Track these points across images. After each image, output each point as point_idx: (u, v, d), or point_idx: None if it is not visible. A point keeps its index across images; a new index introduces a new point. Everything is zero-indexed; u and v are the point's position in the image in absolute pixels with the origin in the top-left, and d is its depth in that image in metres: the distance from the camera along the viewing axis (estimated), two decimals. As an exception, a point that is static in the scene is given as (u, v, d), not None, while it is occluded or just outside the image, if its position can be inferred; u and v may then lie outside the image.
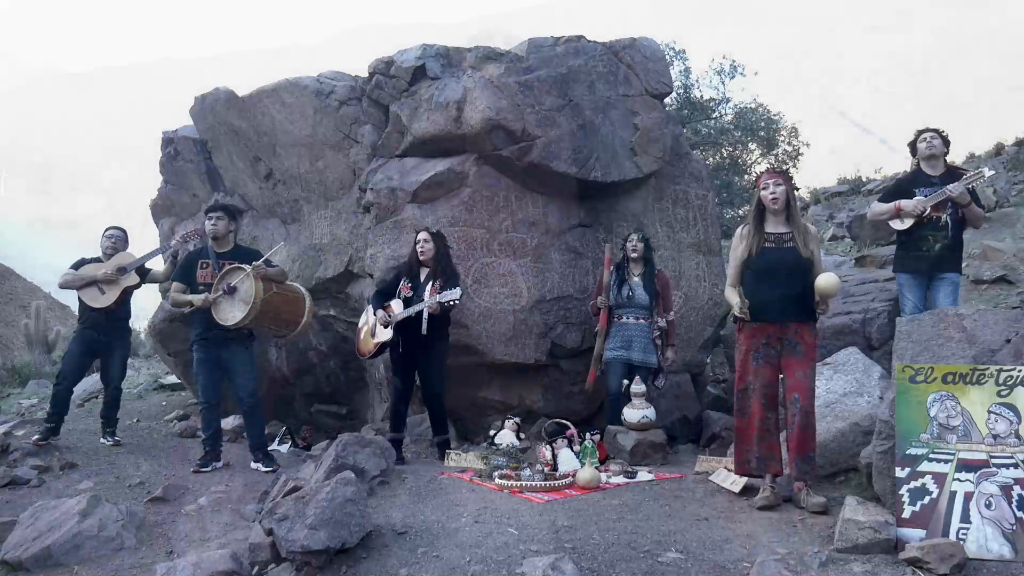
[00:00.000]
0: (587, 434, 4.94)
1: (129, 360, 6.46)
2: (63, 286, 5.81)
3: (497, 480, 4.26)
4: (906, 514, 3.03)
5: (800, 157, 16.09)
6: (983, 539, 2.94)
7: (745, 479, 3.94)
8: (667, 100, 7.77)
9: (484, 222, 5.89)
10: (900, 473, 3.11)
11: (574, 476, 4.28)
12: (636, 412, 5.14)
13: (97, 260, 5.82)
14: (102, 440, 5.90)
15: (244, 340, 5.22)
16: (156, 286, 6.44)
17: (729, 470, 4.21)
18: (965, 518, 2.98)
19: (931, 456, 3.09)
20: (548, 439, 4.92)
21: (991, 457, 3.05)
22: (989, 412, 3.10)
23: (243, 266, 5.03)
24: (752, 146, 16.00)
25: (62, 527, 3.62)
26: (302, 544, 2.93)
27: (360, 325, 5.52)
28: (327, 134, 6.43)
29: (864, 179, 17.77)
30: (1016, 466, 3.02)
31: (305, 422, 6.96)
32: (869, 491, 3.49)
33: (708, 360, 7.07)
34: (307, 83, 6.41)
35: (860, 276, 6.94)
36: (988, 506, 2.98)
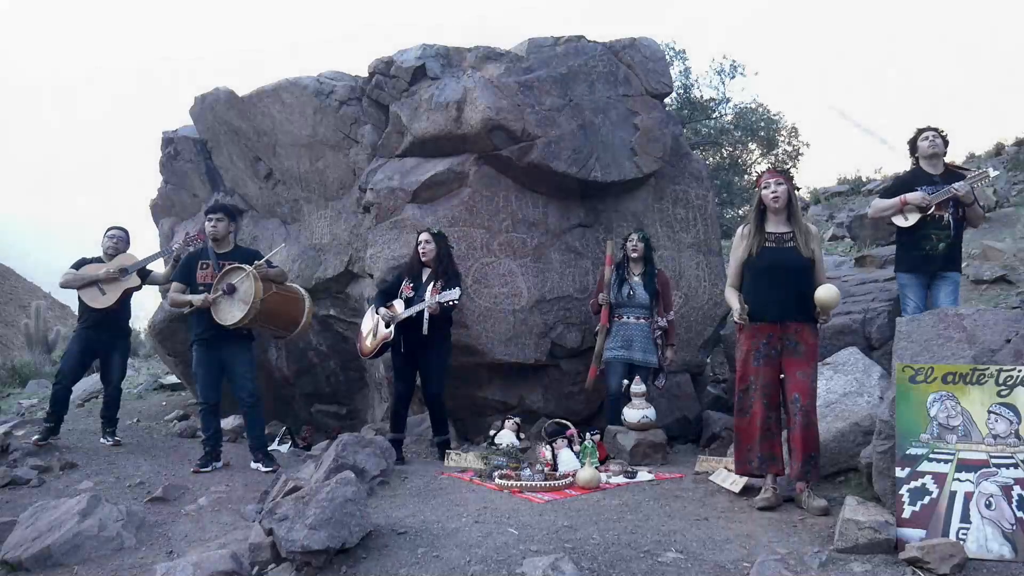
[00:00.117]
0: (587, 434, 4.94)
1: (129, 360, 6.46)
2: (64, 286, 5.81)
3: (497, 480, 4.26)
4: (906, 514, 3.03)
5: (800, 157, 16.10)
6: (983, 539, 2.94)
7: (745, 479, 3.94)
8: (667, 100, 7.77)
9: (484, 222, 5.89)
10: (900, 473, 3.11)
11: (574, 476, 4.28)
12: (636, 412, 5.14)
13: (98, 260, 5.82)
14: (102, 440, 5.90)
15: (244, 340, 5.22)
16: (157, 287, 6.45)
17: (729, 470, 4.21)
18: (965, 518, 2.98)
19: (931, 456, 3.09)
20: (548, 439, 4.92)
21: (991, 457, 3.05)
22: (989, 412, 3.10)
23: (243, 266, 5.03)
24: (752, 146, 16.02)
25: (62, 527, 3.62)
26: (302, 544, 2.93)
27: (362, 326, 5.53)
28: (327, 134, 6.43)
29: (864, 179, 17.77)
30: (1016, 466, 3.02)
31: (305, 422, 6.96)
32: (869, 491, 3.49)
33: (708, 360, 7.07)
34: (307, 83, 6.41)
35: (860, 276, 6.94)
36: (988, 506, 2.98)
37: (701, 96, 15.54)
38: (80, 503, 3.78)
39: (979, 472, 3.03)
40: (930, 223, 4.83)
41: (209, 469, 5.10)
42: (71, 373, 5.74)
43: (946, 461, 3.07)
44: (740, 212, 15.28)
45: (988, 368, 3.14)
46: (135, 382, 9.36)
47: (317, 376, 6.89)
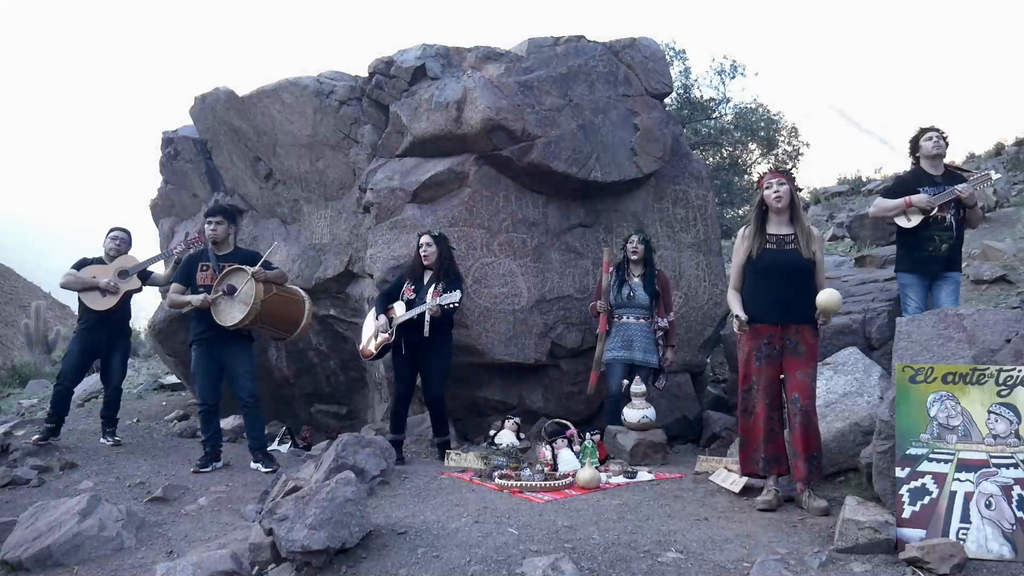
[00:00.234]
0: (587, 434, 4.94)
1: (129, 360, 6.46)
2: (64, 286, 5.81)
3: (497, 480, 4.26)
4: (906, 514, 3.03)
5: (800, 157, 16.10)
6: (983, 539, 2.93)
7: (745, 479, 3.94)
8: (667, 100, 7.77)
9: (484, 222, 5.89)
10: (900, 473, 3.11)
11: (574, 476, 4.28)
12: (636, 412, 5.14)
13: (99, 260, 5.82)
14: (102, 440, 5.90)
15: (243, 341, 5.22)
16: (157, 287, 6.45)
17: (730, 470, 4.21)
18: (965, 518, 2.98)
19: (931, 456, 3.09)
20: (548, 439, 4.92)
21: (991, 457, 3.04)
22: (989, 412, 3.10)
23: (244, 268, 5.03)
24: (752, 146, 16.02)
25: (62, 527, 3.62)
26: (302, 544, 2.93)
27: (363, 327, 5.52)
28: (327, 134, 6.43)
29: (864, 179, 17.78)
30: (1016, 466, 3.02)
31: (305, 422, 6.96)
32: (869, 491, 3.49)
33: (708, 360, 7.07)
34: (307, 83, 6.41)
35: (860, 276, 6.94)
36: (988, 506, 2.97)
37: (701, 96, 15.55)
38: (80, 503, 3.78)
39: (979, 472, 3.03)
40: (933, 224, 4.83)
41: (209, 469, 5.10)
42: (72, 373, 5.74)
43: (946, 461, 3.07)
44: (740, 212, 15.28)
45: (988, 368, 3.14)
46: (135, 382, 9.35)
47: (317, 376, 6.89)
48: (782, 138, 16.00)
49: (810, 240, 3.82)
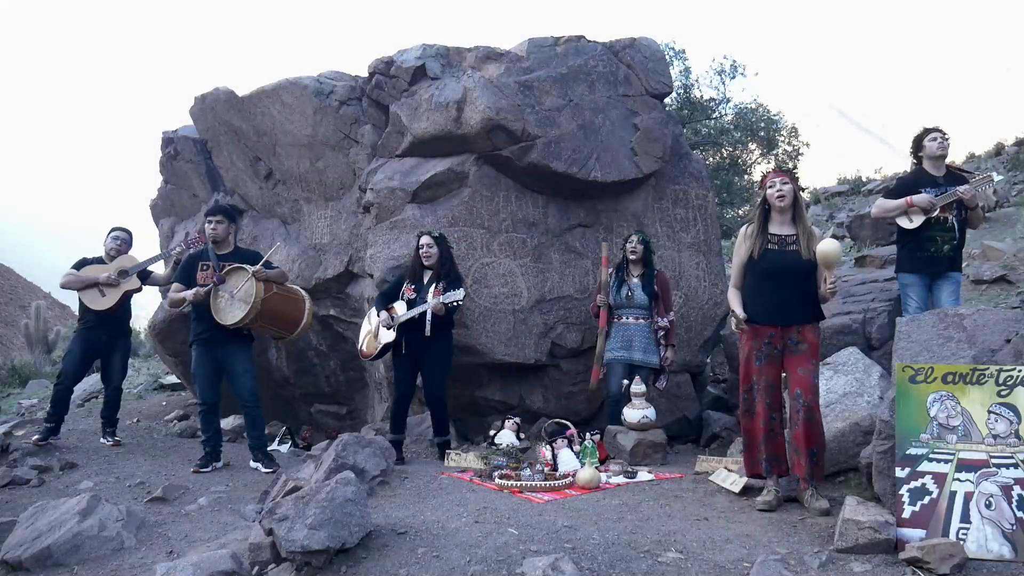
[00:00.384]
0: (587, 434, 4.95)
1: (129, 360, 6.46)
2: (64, 286, 5.80)
3: (497, 480, 4.25)
4: (906, 514, 3.03)
5: (800, 157, 16.10)
6: (983, 539, 2.93)
7: (745, 479, 3.94)
8: (667, 100, 7.77)
9: (484, 222, 5.89)
10: (900, 473, 3.11)
11: (574, 476, 4.27)
12: (636, 412, 5.14)
13: (99, 260, 5.82)
14: (102, 440, 5.90)
15: (243, 340, 5.22)
16: (157, 287, 6.45)
17: (730, 470, 4.22)
18: (965, 518, 2.98)
19: (931, 456, 3.09)
20: (548, 439, 4.92)
21: (991, 457, 3.04)
22: (989, 412, 3.10)
23: (244, 266, 5.04)
24: (752, 146, 16.02)
25: (62, 527, 3.62)
26: (302, 544, 2.93)
27: (362, 327, 5.52)
28: (327, 134, 6.43)
29: (864, 179, 17.79)
30: (1016, 466, 3.02)
31: (305, 422, 6.96)
32: (869, 491, 3.49)
33: (708, 360, 7.07)
34: (307, 83, 6.41)
35: (860, 276, 6.94)
36: (988, 506, 2.97)
37: (701, 96, 15.55)
38: (80, 503, 3.78)
39: (979, 472, 3.03)
40: (935, 225, 4.83)
41: (209, 469, 5.10)
42: (72, 373, 5.74)
43: (946, 461, 3.07)
44: (740, 212, 15.28)
45: (988, 368, 3.14)
46: (135, 382, 9.36)
47: (317, 376, 6.89)
48: (782, 138, 16.01)
49: (811, 240, 3.81)
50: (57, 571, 3.44)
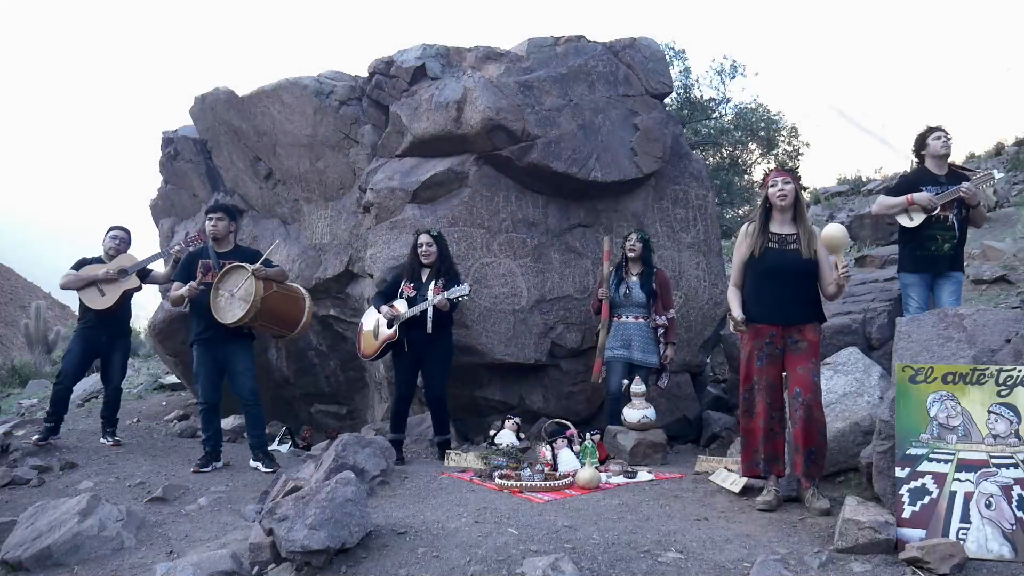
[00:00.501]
0: (587, 434, 4.95)
1: (129, 360, 6.46)
2: (64, 287, 5.80)
3: (497, 480, 4.25)
4: (906, 514, 3.03)
5: (800, 157, 16.11)
6: (983, 539, 2.93)
7: (745, 479, 3.94)
8: (667, 100, 7.77)
9: (484, 222, 5.89)
10: (900, 473, 3.11)
11: (574, 476, 4.27)
12: (636, 412, 5.14)
13: (99, 260, 5.82)
14: (102, 440, 5.90)
15: (244, 339, 5.23)
16: (157, 286, 6.45)
17: (730, 470, 4.21)
18: (965, 518, 2.98)
19: (931, 456, 3.09)
20: (548, 439, 4.92)
21: (991, 457, 3.04)
22: (989, 412, 3.10)
23: (244, 265, 5.04)
24: (752, 146, 16.03)
25: (62, 527, 3.62)
26: (302, 544, 2.93)
27: (361, 327, 5.51)
28: (327, 134, 6.43)
29: (864, 179, 17.79)
30: (1016, 466, 3.02)
31: (305, 422, 6.96)
32: (869, 491, 3.49)
33: (708, 360, 7.07)
34: (307, 83, 6.41)
35: (860, 276, 6.94)
36: (988, 506, 2.97)
37: (701, 96, 15.56)
38: (80, 503, 3.77)
39: (979, 472, 3.03)
40: (935, 224, 4.82)
41: (209, 469, 5.10)
42: (72, 373, 5.73)
43: (946, 461, 3.07)
44: (740, 212, 15.29)
45: (988, 368, 3.14)
46: (135, 382, 9.36)
47: (317, 376, 6.89)
48: (782, 138, 16.01)
49: (811, 240, 3.81)
50: (57, 571, 3.44)
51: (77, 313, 6.00)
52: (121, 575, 3.35)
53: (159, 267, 6.10)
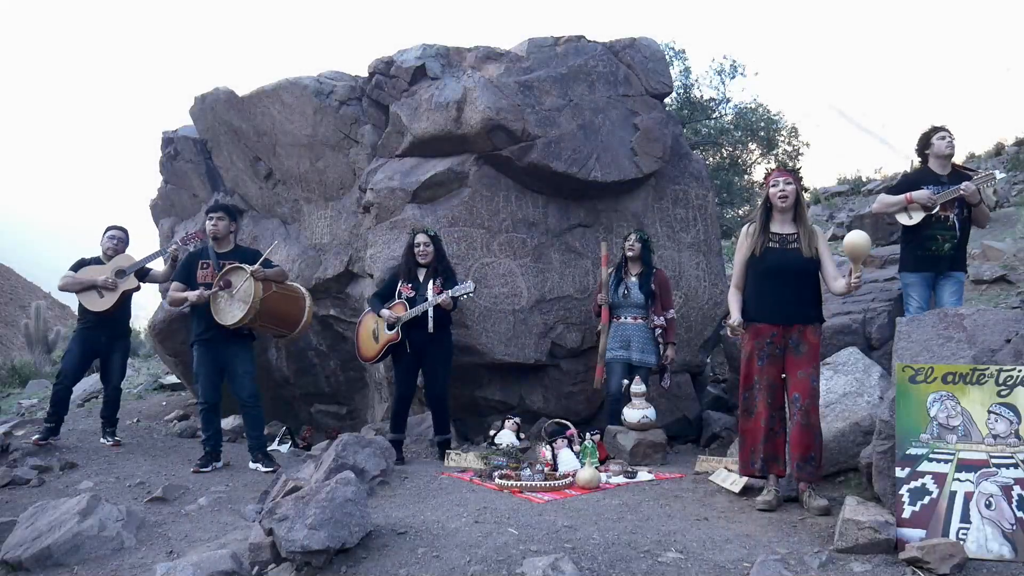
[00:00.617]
0: (587, 434, 4.95)
1: (129, 360, 6.46)
2: (62, 289, 5.79)
3: (497, 480, 4.25)
4: (906, 514, 3.03)
5: (800, 157, 16.11)
6: (983, 539, 2.93)
7: (745, 479, 3.94)
8: (667, 100, 7.77)
9: (484, 222, 5.89)
10: (900, 473, 3.11)
11: (574, 476, 4.27)
12: (636, 412, 5.14)
13: (97, 260, 5.81)
14: (102, 440, 5.90)
15: (244, 340, 5.22)
16: (157, 286, 6.44)
17: (730, 470, 4.21)
18: (965, 518, 2.98)
19: (931, 456, 3.09)
20: (548, 439, 4.92)
21: (991, 457, 3.04)
22: (989, 412, 3.10)
23: (243, 266, 5.04)
24: (752, 146, 16.02)
25: (62, 527, 3.62)
26: (302, 544, 2.93)
27: (359, 330, 5.48)
28: (327, 134, 6.43)
29: (864, 179, 17.80)
30: (1016, 466, 3.02)
31: (305, 422, 6.96)
32: (869, 491, 3.49)
33: (708, 360, 7.07)
34: (307, 83, 6.41)
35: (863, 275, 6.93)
36: (988, 506, 2.97)
37: (701, 96, 15.55)
38: (80, 503, 3.77)
39: (979, 472, 3.03)
40: (935, 224, 4.82)
41: (209, 469, 5.09)
42: (72, 373, 5.73)
43: (946, 461, 3.07)
44: (740, 212, 15.29)
45: (988, 368, 3.14)
46: (135, 382, 9.36)
47: (317, 376, 6.89)
48: (782, 138, 16.00)
49: (812, 239, 3.82)
50: (57, 571, 3.44)
51: (77, 313, 6.00)
52: (121, 575, 3.35)
53: (158, 265, 6.09)
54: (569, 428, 5.01)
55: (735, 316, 3.86)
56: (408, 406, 5.33)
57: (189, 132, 7.67)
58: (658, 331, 5.44)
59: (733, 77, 15.53)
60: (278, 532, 3.02)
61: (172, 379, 8.76)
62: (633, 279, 5.50)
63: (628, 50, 6.47)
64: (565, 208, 6.18)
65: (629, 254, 5.52)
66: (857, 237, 3.60)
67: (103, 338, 5.76)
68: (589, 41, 6.42)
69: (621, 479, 4.42)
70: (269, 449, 5.46)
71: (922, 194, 4.80)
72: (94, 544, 3.59)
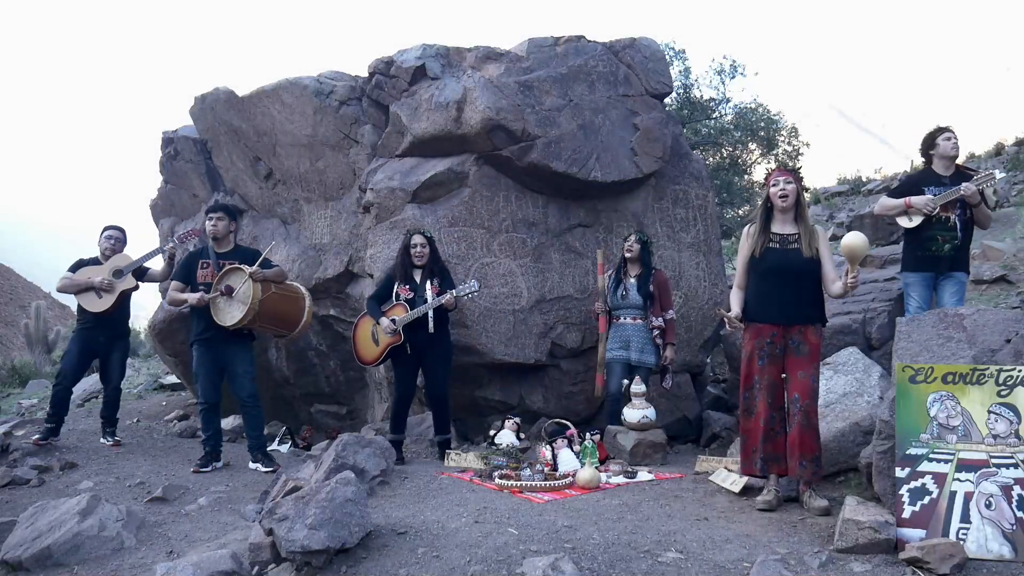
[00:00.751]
0: (587, 434, 4.95)
1: (129, 360, 6.46)
2: (61, 290, 5.79)
3: (497, 480, 4.26)
4: (906, 514, 3.03)
5: (800, 157, 16.11)
6: (983, 539, 2.94)
7: (745, 479, 3.94)
8: (667, 100, 7.77)
9: (484, 222, 5.89)
10: (900, 473, 3.11)
11: (574, 476, 4.28)
12: (636, 412, 5.14)
13: (95, 261, 5.81)
14: (102, 440, 5.90)
15: (244, 340, 5.22)
16: (157, 286, 6.44)
17: (730, 470, 4.21)
18: (965, 518, 2.98)
19: (931, 456, 3.09)
20: (548, 439, 4.92)
21: (991, 457, 3.04)
22: (989, 412, 3.10)
23: (243, 267, 5.03)
24: (752, 146, 16.03)
25: (62, 527, 3.62)
26: (302, 544, 2.93)
27: (356, 334, 5.46)
28: (327, 134, 6.43)
29: (864, 179, 17.80)
30: (1016, 466, 3.02)
31: (305, 422, 6.96)
32: (869, 491, 3.50)
33: (708, 360, 7.07)
34: (307, 83, 6.41)
35: (860, 276, 6.93)
36: (988, 506, 2.97)
37: (701, 96, 15.56)
38: (80, 503, 3.78)
39: (979, 472, 3.03)
40: (936, 224, 4.82)
41: (209, 469, 5.10)
42: (71, 373, 5.73)
43: (946, 461, 3.07)
44: (740, 212, 15.28)
45: (988, 368, 3.14)
46: (135, 382, 9.36)
47: (317, 376, 6.89)
48: (782, 138, 16.01)
49: (812, 238, 3.82)
50: (57, 571, 3.44)
51: (76, 313, 6.00)
52: (121, 575, 3.35)
53: (156, 264, 6.07)
54: (569, 428, 5.01)
55: (735, 310, 3.86)
56: (408, 406, 5.33)
57: (189, 132, 7.67)
58: (656, 332, 5.44)
59: (733, 77, 15.56)
60: (278, 532, 3.02)
61: (172, 379, 8.76)
62: (632, 280, 5.50)
63: (628, 50, 6.48)
64: (565, 208, 6.18)
65: (628, 255, 5.52)
66: (854, 238, 3.61)
67: (102, 338, 5.76)
68: (589, 41, 6.42)
69: (621, 479, 4.42)
70: (269, 449, 5.46)
71: (920, 200, 4.80)
72: (94, 544, 3.59)
